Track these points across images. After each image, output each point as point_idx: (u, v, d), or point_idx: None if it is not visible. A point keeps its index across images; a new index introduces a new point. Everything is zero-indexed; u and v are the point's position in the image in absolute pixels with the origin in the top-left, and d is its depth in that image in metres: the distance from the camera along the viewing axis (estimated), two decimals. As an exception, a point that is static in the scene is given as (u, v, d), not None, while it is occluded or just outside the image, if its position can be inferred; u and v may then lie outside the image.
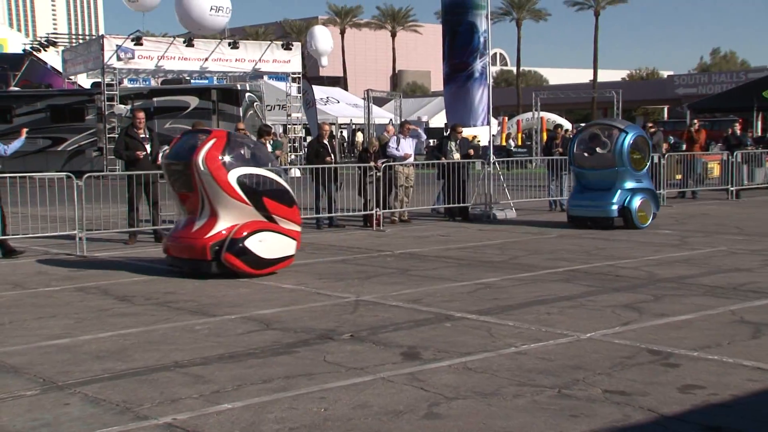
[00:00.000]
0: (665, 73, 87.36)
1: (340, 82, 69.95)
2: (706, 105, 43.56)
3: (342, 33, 79.72)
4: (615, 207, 14.23)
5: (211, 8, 33.30)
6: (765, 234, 13.27)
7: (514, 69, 75.75)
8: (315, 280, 9.66)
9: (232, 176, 9.59)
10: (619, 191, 14.28)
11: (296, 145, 33.68)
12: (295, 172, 20.55)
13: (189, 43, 30.66)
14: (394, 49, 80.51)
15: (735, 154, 20.18)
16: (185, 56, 30.66)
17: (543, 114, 43.49)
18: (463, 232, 14.42)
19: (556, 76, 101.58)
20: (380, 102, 48.60)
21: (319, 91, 41.02)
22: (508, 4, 70.72)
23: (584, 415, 4.89)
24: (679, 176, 20.61)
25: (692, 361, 5.96)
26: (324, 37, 48.26)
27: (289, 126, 33.86)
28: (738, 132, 22.78)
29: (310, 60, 50.54)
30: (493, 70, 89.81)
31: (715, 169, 21.89)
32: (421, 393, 5.34)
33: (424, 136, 21.27)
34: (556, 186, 18.02)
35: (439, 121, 43.33)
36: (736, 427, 4.70)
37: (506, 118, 49.24)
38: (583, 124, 22.51)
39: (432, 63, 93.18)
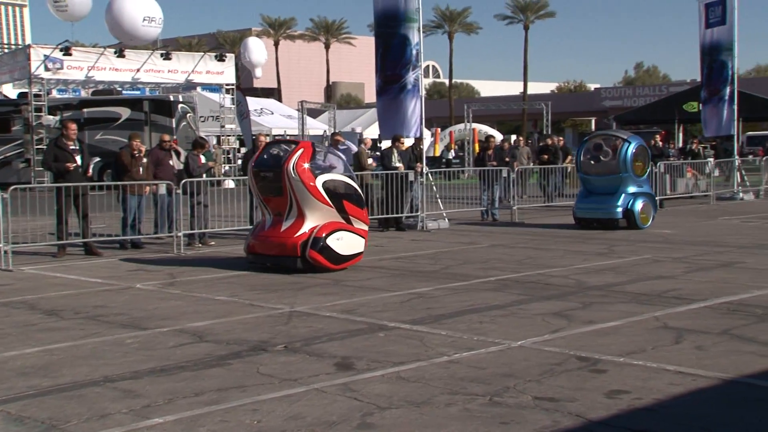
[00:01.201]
0: (592, 86, 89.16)
1: (274, 93, 69.60)
2: (631, 117, 44.61)
3: (276, 44, 79.40)
4: (620, 209, 15.55)
5: (144, 18, 32.82)
6: (687, 242, 13.63)
7: (447, 81, 76.40)
8: (248, 292, 9.57)
9: (319, 181, 10.85)
10: (623, 195, 15.61)
11: (230, 156, 33.37)
12: (229, 184, 20.35)
13: (120, 54, 30.16)
14: (327, 60, 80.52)
15: (658, 164, 20.69)
16: (116, 67, 30.15)
17: (475, 125, 44.02)
18: (397, 243, 14.46)
19: (488, 88, 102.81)
20: (314, 113, 48.52)
21: (253, 103, 40.73)
22: (440, 17, 71.42)
23: (514, 422, 4.94)
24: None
25: (618, 366, 6.08)
26: (257, 49, 48.02)
27: (223, 137, 33.56)
28: (660, 143, 23.39)
29: (243, 71, 50.23)
30: (426, 82, 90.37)
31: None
32: (355, 403, 5.33)
33: (355, 148, 21.25)
34: (487, 197, 18.22)
35: (373, 132, 43.42)
36: (658, 430, 4.81)
37: (439, 129, 49.64)
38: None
39: (365, 75, 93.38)
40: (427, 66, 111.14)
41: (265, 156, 11.47)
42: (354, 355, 6.53)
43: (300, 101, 38.26)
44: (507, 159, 19.32)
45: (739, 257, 11.65)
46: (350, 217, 11.13)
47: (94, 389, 5.72)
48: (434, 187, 17.17)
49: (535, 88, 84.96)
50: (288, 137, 47.22)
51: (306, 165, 10.82)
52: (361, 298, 9.06)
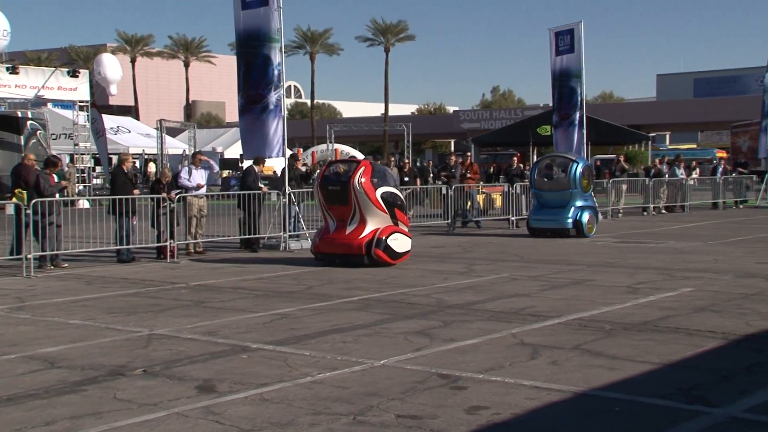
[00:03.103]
0: (451, 108, 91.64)
1: (132, 111, 67.67)
2: (488, 139, 46.13)
3: (133, 61, 77.33)
4: (570, 220, 18.15)
5: (-12, 30, 31.25)
6: (542, 261, 14.19)
7: (309, 101, 76.59)
8: (105, 315, 9.25)
9: (378, 193, 13.47)
10: (572, 208, 18.19)
11: (85, 175, 32.17)
12: (84, 204, 19.60)
13: (-37, 67, 28.58)
14: (187, 79, 79.07)
15: (515, 186, 21.45)
16: (-41, 81, 28.54)
17: (337, 146, 44.36)
18: (260, 263, 14.34)
19: (349, 109, 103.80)
20: (174, 132, 47.54)
21: (109, 120, 39.51)
22: (302, 38, 71.62)
23: (379, 440, 4.98)
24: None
25: (478, 383, 6.25)
26: (112, 65, 46.67)
27: (77, 156, 32.32)
28: (514, 165, 24.27)
29: (98, 88, 48.60)
30: (288, 102, 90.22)
31: (497, 199, 23.18)
32: (217, 426, 5.24)
33: (217, 168, 20.99)
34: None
35: (234, 152, 42.99)
36: (518, 442, 4.97)
37: (301, 149, 49.68)
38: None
39: (226, 94, 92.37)
40: (289, 86, 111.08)
41: (329, 173, 14.17)
42: (216, 378, 6.43)
43: (159, 120, 37.39)
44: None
45: (589, 275, 12.23)
46: (399, 222, 13.75)
47: (-65, 422, 5.38)
48: (297, 207, 17.15)
49: (396, 109, 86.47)
50: (147, 156, 46.23)
51: (368, 180, 13.42)
52: (223, 319, 8.93)
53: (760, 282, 11.23)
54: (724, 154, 51.78)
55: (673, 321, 8.53)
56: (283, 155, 16.97)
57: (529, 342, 7.64)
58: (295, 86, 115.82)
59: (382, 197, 13.48)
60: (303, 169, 19.55)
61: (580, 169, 18.30)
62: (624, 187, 25.04)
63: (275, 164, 38.19)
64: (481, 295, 10.43)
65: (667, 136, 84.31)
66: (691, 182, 27.85)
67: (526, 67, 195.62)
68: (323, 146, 47.29)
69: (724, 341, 7.61)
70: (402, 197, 14.13)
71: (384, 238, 13.33)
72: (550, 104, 28.60)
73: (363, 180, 13.40)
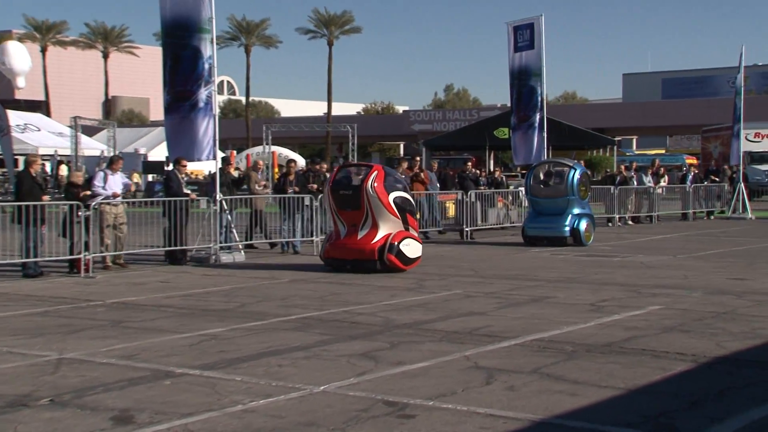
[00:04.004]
0: (401, 108, 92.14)
1: (42, 107, 66.59)
2: (441, 142, 46.43)
3: (43, 51, 76.09)
4: (567, 228, 19.15)
5: None
6: (498, 276, 14.29)
7: (244, 99, 76.24)
8: (7, 337, 9.05)
9: (391, 198, 14.55)
10: (569, 216, 19.21)
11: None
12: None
13: None
14: (106, 72, 78.11)
15: (469, 193, 21.59)
16: None
17: (275, 148, 44.16)
18: (186, 278, 14.20)
19: (289, 107, 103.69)
20: (91, 131, 46.86)
21: (16, 117, 38.73)
22: (236, 28, 71.34)
23: (317, 476, 4.94)
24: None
25: (428, 411, 6.25)
26: (19, 54, 45.88)
27: (-22, 156, 31.62)
28: (472, 171, 24.44)
29: (3, 80, 47.71)
30: (220, 99, 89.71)
31: (450, 208, 23.32)
32: (135, 463, 5.15)
33: (131, 183, 20.75)
34: (289, 227, 18.27)
35: (159, 154, 42.55)
36: (471, 477, 4.97)
37: (234, 152, 49.38)
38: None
39: (151, 89, 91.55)
40: (222, 82, 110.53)
41: (339, 178, 15.10)
42: (135, 407, 6.32)
43: (73, 117, 36.78)
44: (313, 187, 19.45)
45: (549, 291, 12.35)
46: (410, 227, 14.85)
47: None
48: (229, 216, 17.03)
49: (341, 109, 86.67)
50: (59, 158, 45.49)
51: (381, 184, 14.48)
52: (144, 341, 8.80)
53: (732, 299, 11.47)
54: (694, 161, 52.92)
55: (639, 342, 8.65)
56: (214, 158, 16.86)
57: (484, 365, 7.68)
58: (228, 82, 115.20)
59: (394, 202, 14.61)
60: (235, 174, 19.46)
61: (577, 175, 19.41)
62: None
63: (205, 168, 37.92)
64: (431, 314, 10.46)
65: (634, 141, 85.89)
66: (660, 191, 28.35)
67: (482, 65, 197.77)
68: (259, 148, 47.03)
69: (694, 364, 7.74)
70: (413, 202, 15.38)
71: (396, 243, 14.44)
72: (508, 105, 28.92)
73: (376, 184, 14.45)
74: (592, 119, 61.77)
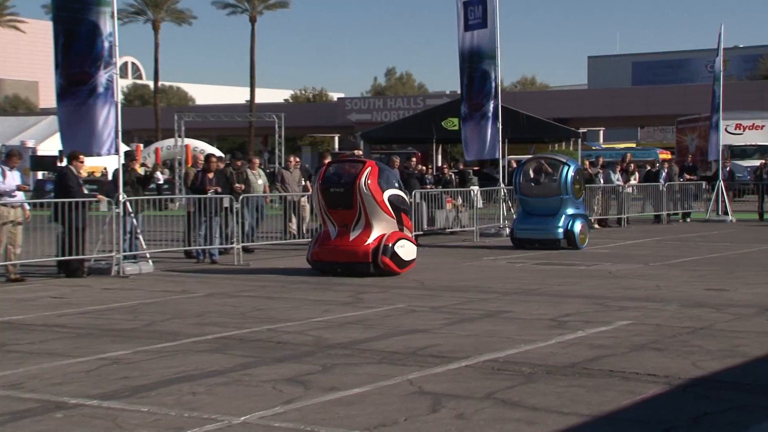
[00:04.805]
0: (335, 95, 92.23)
1: None
2: (381, 134, 46.49)
3: None
4: (561, 230, 19.91)
5: None
6: (447, 287, 14.37)
7: (151, 83, 75.49)
8: None
9: (386, 196, 15.39)
10: (563, 216, 19.96)
11: None
12: None
13: None
14: (-11, 50, 76.74)
15: (414, 194, 21.68)
16: None
17: (188, 141, 43.84)
18: (84, 293, 14.04)
19: (205, 94, 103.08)
20: (-32, 120, 46.00)
21: None
22: (142, 1, 70.53)
23: None
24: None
25: (365, 443, 6.25)
26: None
27: None
28: (416, 168, 24.53)
29: None
30: (124, 84, 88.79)
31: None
32: None
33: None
34: (204, 233, 18.12)
35: (50, 147, 41.95)
36: None
37: (141, 145, 48.91)
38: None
39: (41, 71, 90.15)
40: (126, 63, 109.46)
41: (330, 174, 15.99)
42: (22, 445, 6.23)
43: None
44: (239, 187, 19.31)
45: (505, 305, 12.45)
46: (404, 227, 15.75)
47: None
48: (134, 220, 16.85)
49: (266, 96, 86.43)
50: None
51: (375, 181, 15.25)
52: (32, 367, 8.68)
53: (710, 313, 11.69)
54: (667, 155, 53.84)
55: (606, 362, 8.77)
56: (117, 152, 16.68)
57: (430, 390, 7.71)
58: (133, 63, 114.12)
59: (389, 200, 15.44)
60: (141, 171, 19.27)
61: (571, 172, 20.16)
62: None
63: (107, 164, 37.45)
64: (370, 332, 10.48)
65: (601, 133, 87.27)
66: (630, 190, 28.78)
67: (428, 46, 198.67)
68: (170, 141, 46.63)
69: (668, 387, 7.87)
70: (407, 201, 16.43)
71: (391, 244, 15.27)
72: (458, 91, 29.08)
73: (370, 181, 15.24)
74: (554, 108, 62.60)
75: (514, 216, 24.75)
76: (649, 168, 33.20)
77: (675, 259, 18.28)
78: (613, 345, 9.58)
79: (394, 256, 15.25)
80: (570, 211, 20.10)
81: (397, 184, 15.99)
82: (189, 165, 40.71)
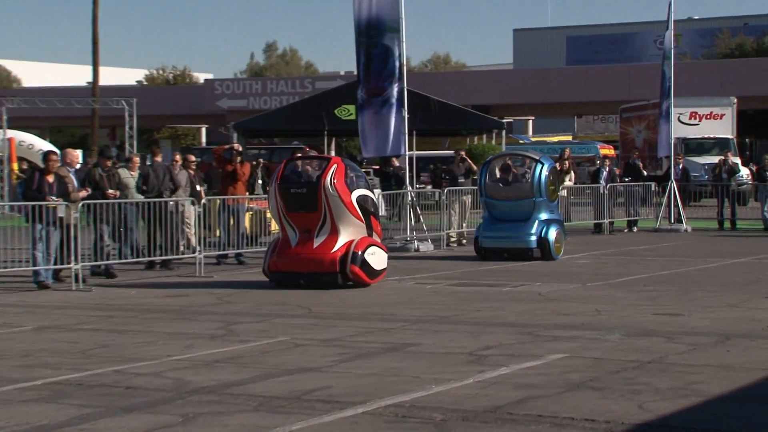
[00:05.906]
0: (201, 77, 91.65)
1: None
2: (260, 126, 46.21)
3: None
4: (533, 238, 20.82)
5: None
6: (341, 315, 14.38)
7: (-33, 60, 73.97)
8: None
9: (354, 197, 16.38)
10: (536, 222, 20.83)
11: None
12: None
13: None
14: None
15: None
16: None
17: (12, 133, 43.00)
18: None
19: (35, 74, 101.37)
20: None
21: None
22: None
23: None
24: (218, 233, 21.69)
25: None
26: None
27: None
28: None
29: None
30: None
31: (246, 219, 23.04)
32: None
33: None
34: (43, 249, 17.80)
35: None
36: None
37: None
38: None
39: None
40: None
41: (289, 173, 16.95)
42: None
43: None
44: (113, 193, 19.03)
45: (412, 336, 12.50)
46: (374, 233, 16.86)
47: None
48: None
49: (113, 76, 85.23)
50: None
51: (342, 181, 16.23)
52: None
53: (660, 343, 11.89)
54: (610, 151, 54.71)
55: (535, 405, 8.85)
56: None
57: (319, 444, 7.69)
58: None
59: (357, 202, 16.50)
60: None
61: (545, 171, 21.02)
62: (468, 199, 25.68)
63: None
64: (244, 372, 10.42)
65: (530, 123, 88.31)
66: (564, 192, 29.10)
67: (317, 17, 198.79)
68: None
69: (609, 434, 7.98)
70: (376, 202, 17.48)
71: (360, 252, 16.30)
72: (354, 72, 29.10)
73: (336, 181, 16.17)
74: (473, 93, 63.05)
75: (422, 224, 25.02)
76: (589, 166, 33.68)
77: (619, 278, 18.57)
78: (543, 384, 9.68)
79: (365, 265, 16.24)
80: (544, 216, 20.98)
81: (364, 184, 17.05)
82: (13, 163, 40.05)
